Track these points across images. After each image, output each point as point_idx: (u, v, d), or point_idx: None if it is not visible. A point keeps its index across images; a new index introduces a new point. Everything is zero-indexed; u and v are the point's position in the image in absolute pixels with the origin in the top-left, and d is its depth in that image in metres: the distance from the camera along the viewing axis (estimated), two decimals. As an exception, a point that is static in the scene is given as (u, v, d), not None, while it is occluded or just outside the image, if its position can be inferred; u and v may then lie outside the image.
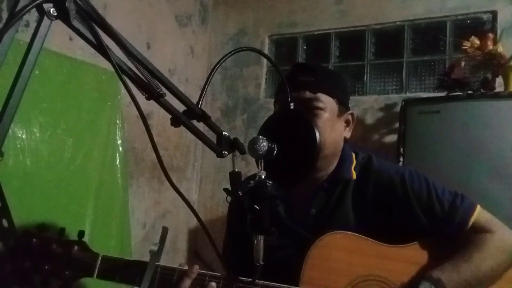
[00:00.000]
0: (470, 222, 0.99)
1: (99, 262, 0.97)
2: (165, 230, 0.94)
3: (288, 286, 0.96)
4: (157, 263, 0.93)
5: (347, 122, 1.15)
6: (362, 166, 1.12)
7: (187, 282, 0.94)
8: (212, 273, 0.97)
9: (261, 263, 0.85)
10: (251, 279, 0.93)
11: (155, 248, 0.91)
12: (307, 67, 1.14)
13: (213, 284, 0.94)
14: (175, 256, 2.59)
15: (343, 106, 1.12)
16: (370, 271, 0.98)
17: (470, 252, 0.95)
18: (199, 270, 0.96)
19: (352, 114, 1.16)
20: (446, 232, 1.00)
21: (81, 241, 1.00)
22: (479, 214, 1.00)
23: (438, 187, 1.04)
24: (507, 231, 1.00)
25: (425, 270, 0.95)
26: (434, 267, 0.94)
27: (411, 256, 0.98)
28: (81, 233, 1.00)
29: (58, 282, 0.96)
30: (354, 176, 1.10)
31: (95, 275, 0.96)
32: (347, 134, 1.15)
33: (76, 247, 0.98)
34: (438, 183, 1.06)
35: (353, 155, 1.15)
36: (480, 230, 0.98)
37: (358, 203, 1.07)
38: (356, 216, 1.06)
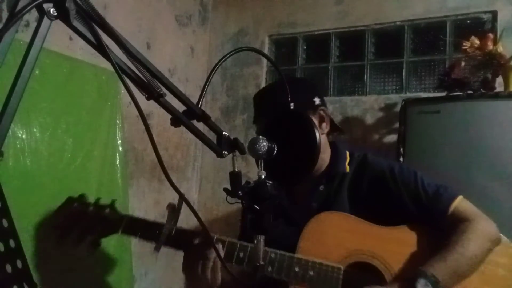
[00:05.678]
0: (451, 209, 1.07)
1: (124, 221, 1.15)
2: (181, 201, 1.09)
3: (284, 252, 1.07)
4: (172, 225, 1.10)
5: (321, 118, 1.22)
6: (358, 162, 1.23)
7: (199, 241, 1.09)
8: (219, 236, 1.12)
9: (261, 263, 0.86)
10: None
11: (173, 208, 1.07)
12: (258, 98, 1.28)
13: (219, 245, 1.08)
14: (175, 256, 2.58)
15: (308, 106, 1.20)
16: (362, 247, 1.07)
17: (452, 242, 1.02)
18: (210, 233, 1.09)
19: (323, 110, 1.24)
20: (430, 216, 1.09)
21: (113, 205, 1.21)
22: (460, 202, 1.09)
23: (425, 179, 1.13)
24: (484, 219, 1.07)
25: (409, 250, 1.05)
26: (424, 263, 1.00)
27: (400, 236, 1.08)
28: (114, 201, 1.23)
29: (91, 237, 1.17)
30: (348, 170, 1.21)
31: (120, 231, 1.15)
32: (325, 129, 1.23)
33: (108, 209, 1.20)
34: (426, 177, 1.15)
35: (347, 153, 1.26)
36: (459, 218, 1.06)
37: (354, 195, 1.17)
38: (351, 205, 1.16)
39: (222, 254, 1.07)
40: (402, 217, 1.10)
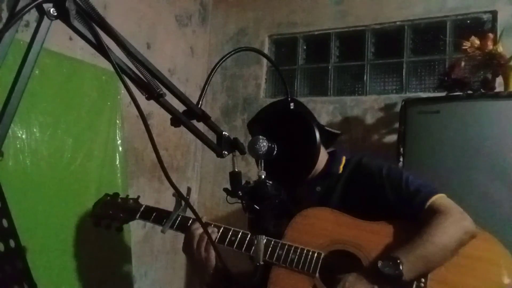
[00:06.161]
0: (428, 203, 1.14)
1: (141, 209, 1.41)
2: (189, 190, 1.34)
3: (271, 238, 1.19)
4: (179, 213, 1.31)
5: None
6: (354, 164, 1.32)
7: (197, 225, 1.26)
8: (216, 223, 1.31)
9: (261, 263, 0.86)
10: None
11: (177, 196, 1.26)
12: (252, 120, 1.37)
13: (215, 230, 1.28)
14: (175, 256, 2.58)
15: None
16: (343, 237, 1.17)
17: (422, 231, 1.08)
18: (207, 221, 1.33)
19: None
20: (409, 210, 1.15)
21: (136, 199, 1.47)
22: (438, 198, 1.15)
23: (411, 178, 1.20)
24: (458, 212, 1.12)
25: (387, 240, 1.13)
26: (395, 249, 1.07)
27: (379, 229, 1.17)
28: (138, 196, 1.50)
29: (117, 224, 1.43)
30: (341, 171, 1.32)
31: (137, 217, 1.40)
32: None
33: (131, 201, 1.47)
34: (415, 177, 1.21)
35: (344, 158, 1.35)
36: (435, 211, 1.12)
37: (346, 193, 1.27)
38: (343, 203, 1.25)
39: (216, 236, 1.27)
40: (385, 210, 1.17)
